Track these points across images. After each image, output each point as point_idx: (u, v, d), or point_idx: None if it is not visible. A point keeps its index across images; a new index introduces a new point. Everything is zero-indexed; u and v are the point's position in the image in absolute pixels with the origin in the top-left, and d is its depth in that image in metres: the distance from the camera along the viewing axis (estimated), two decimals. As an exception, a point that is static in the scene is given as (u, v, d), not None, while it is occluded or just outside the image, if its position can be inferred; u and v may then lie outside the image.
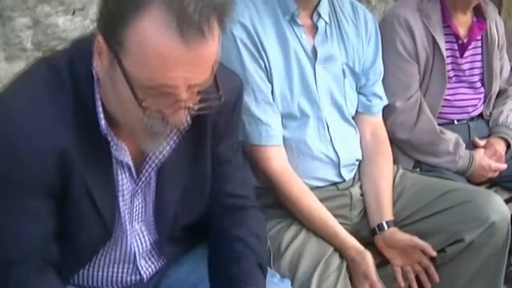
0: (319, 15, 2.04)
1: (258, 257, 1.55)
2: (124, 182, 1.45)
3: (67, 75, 1.34)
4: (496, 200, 2.13)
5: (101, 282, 1.58)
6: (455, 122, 2.64)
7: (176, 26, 1.19)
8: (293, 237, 1.98)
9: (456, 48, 2.58)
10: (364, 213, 2.15)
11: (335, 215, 2.02)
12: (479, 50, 2.65)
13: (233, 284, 1.51)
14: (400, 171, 2.27)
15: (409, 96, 2.47)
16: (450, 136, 2.52)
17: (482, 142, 2.62)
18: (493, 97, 2.72)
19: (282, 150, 2.00)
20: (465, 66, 2.61)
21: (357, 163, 2.18)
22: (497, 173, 2.56)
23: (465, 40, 2.58)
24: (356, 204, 2.13)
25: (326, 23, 2.06)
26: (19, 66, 2.04)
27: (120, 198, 1.46)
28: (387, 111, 2.34)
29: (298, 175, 2.01)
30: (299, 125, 2.03)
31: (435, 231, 2.08)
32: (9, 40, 2.03)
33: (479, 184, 2.53)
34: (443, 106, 2.57)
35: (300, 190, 2.00)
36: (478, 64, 2.65)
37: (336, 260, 1.93)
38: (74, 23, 2.09)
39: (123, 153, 1.41)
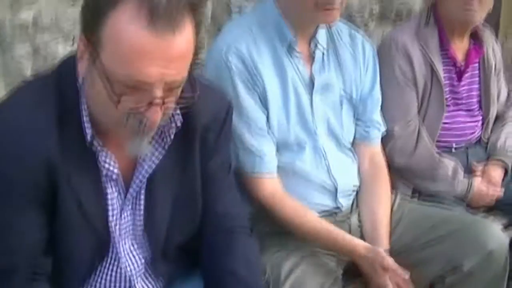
0: (317, 44, 2.05)
1: None
2: (113, 195, 1.46)
3: (54, 88, 1.37)
4: (493, 228, 2.13)
5: None
6: (453, 147, 2.63)
7: (148, 19, 1.23)
8: (294, 265, 1.97)
9: (454, 73, 2.58)
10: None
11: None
12: (476, 75, 2.66)
13: None
14: (398, 198, 2.27)
15: (407, 121, 2.48)
16: (449, 161, 2.52)
17: (479, 168, 2.62)
18: (491, 121, 2.72)
19: (276, 179, 2.00)
20: (463, 91, 2.62)
21: (355, 190, 2.18)
22: (494, 200, 2.56)
23: (462, 65, 2.59)
24: (354, 233, 2.12)
25: (323, 51, 2.07)
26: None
27: (110, 212, 1.46)
28: (385, 137, 2.34)
29: None
30: (295, 153, 2.03)
31: (433, 259, 2.08)
32: (9, 68, 2.05)
33: (477, 208, 2.53)
34: (441, 131, 2.57)
35: (294, 209, 2.00)
36: (476, 89, 2.66)
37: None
38: (74, 51, 2.11)
39: (112, 164, 1.42)
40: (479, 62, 2.66)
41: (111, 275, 1.54)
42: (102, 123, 1.38)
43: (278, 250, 2.01)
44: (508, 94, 2.84)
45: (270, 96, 1.97)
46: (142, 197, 1.50)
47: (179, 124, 1.43)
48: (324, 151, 2.07)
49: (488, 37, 2.70)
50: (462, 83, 2.61)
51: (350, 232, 2.10)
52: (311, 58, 2.06)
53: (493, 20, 3.14)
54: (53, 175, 1.35)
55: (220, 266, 1.58)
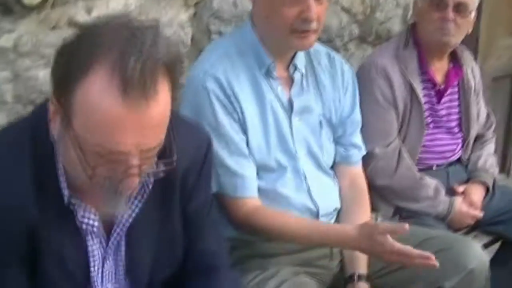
0: (296, 67, 2.07)
1: None
2: (94, 246, 1.44)
3: (28, 144, 1.32)
4: (474, 247, 2.14)
5: None
6: (434, 167, 2.66)
7: (120, 89, 1.17)
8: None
9: (433, 94, 2.62)
10: (345, 262, 2.14)
11: (315, 266, 2.03)
12: (456, 96, 2.69)
13: None
14: (379, 219, 2.28)
15: (388, 142, 2.50)
16: (430, 181, 2.54)
17: (461, 189, 2.64)
18: (471, 142, 2.75)
19: (257, 201, 2.00)
20: (443, 112, 2.65)
21: (336, 212, 2.18)
22: (474, 220, 2.58)
23: (442, 87, 2.62)
24: (336, 254, 2.12)
25: (302, 74, 2.09)
26: (0, 119, 2.05)
27: (92, 263, 1.44)
28: (367, 158, 2.36)
29: None
30: (276, 176, 2.03)
31: (414, 279, 2.09)
32: (-11, 93, 2.04)
33: (458, 230, 2.55)
34: (421, 152, 2.60)
35: (276, 213, 1.98)
36: (456, 110, 2.69)
37: None
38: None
39: (92, 218, 1.40)
40: (458, 83, 2.69)
41: None
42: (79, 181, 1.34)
43: (260, 273, 2.00)
44: (488, 115, 2.88)
45: (249, 121, 1.98)
46: (123, 243, 1.48)
47: (160, 175, 1.36)
48: (305, 173, 2.07)
49: (467, 58, 2.74)
50: (442, 104, 2.64)
51: (331, 254, 2.11)
52: (290, 81, 2.07)
53: (472, 42, 3.19)
54: (33, 234, 1.32)
55: None
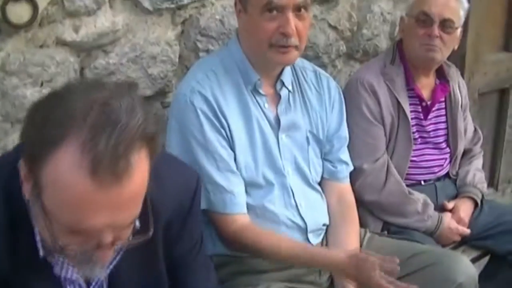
0: (282, 84, 2.08)
1: None
2: None
3: (2, 201, 1.27)
4: (462, 261, 2.15)
5: None
6: (422, 182, 2.67)
7: (90, 168, 1.09)
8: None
9: (420, 110, 2.63)
10: (334, 277, 2.14)
11: (304, 282, 2.03)
12: (443, 112, 2.70)
13: None
14: (368, 234, 2.28)
15: (376, 158, 2.51)
16: (418, 196, 2.55)
17: (450, 205, 2.65)
18: (459, 157, 2.76)
19: (246, 218, 2.00)
20: (430, 128, 2.66)
21: (324, 227, 2.18)
22: (460, 237, 2.59)
23: (428, 103, 2.63)
24: (325, 270, 2.12)
25: (289, 91, 2.10)
26: (-12, 138, 2.05)
27: None
28: (355, 174, 2.36)
29: None
30: (264, 193, 2.04)
31: (403, 295, 2.09)
32: (-23, 112, 2.04)
33: (445, 245, 2.56)
34: (409, 167, 2.61)
35: (266, 232, 1.99)
36: (443, 125, 2.70)
37: None
38: (42, 95, 2.11)
39: (70, 269, 1.35)
40: (445, 99, 2.70)
41: None
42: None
43: (249, 290, 2.01)
44: (475, 130, 2.89)
45: (236, 137, 1.98)
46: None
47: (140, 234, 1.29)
48: (292, 190, 2.08)
49: (454, 74, 2.76)
50: (429, 119, 2.65)
51: (320, 270, 2.10)
52: (277, 98, 2.08)
53: (459, 58, 3.22)
54: (6, 284, 1.28)
55: None
